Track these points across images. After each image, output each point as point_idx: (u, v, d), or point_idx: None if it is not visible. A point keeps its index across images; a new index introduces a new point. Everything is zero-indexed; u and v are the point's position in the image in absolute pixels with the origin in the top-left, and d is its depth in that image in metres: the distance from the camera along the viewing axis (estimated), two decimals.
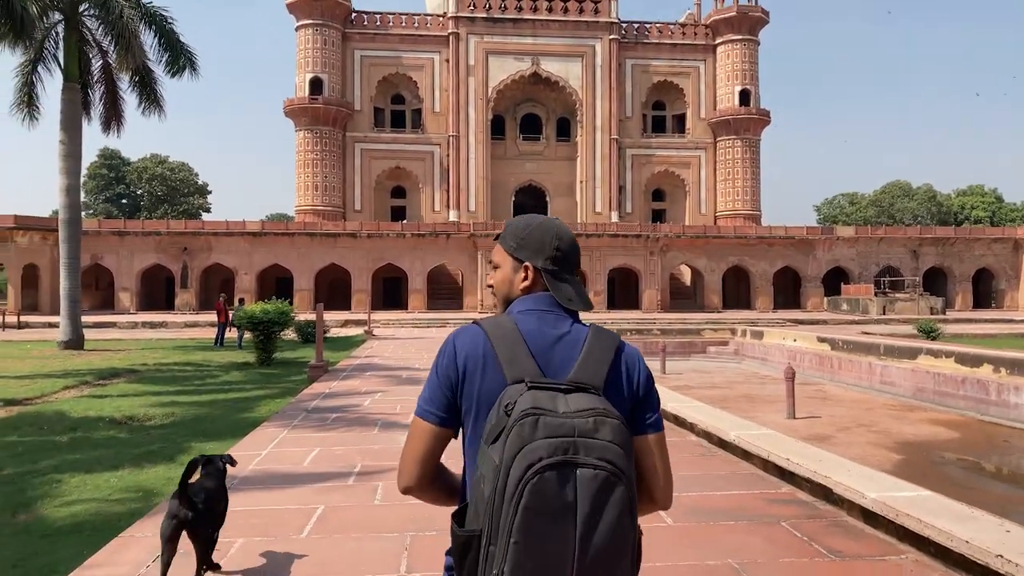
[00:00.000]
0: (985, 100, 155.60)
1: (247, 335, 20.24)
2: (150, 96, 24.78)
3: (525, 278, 1.65)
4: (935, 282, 44.89)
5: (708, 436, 7.42)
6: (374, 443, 7.73)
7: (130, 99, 25.36)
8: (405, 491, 1.57)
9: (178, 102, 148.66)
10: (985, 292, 46.73)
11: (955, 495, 4.98)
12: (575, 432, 1.32)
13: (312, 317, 37.01)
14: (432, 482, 1.58)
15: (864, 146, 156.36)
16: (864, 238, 44.20)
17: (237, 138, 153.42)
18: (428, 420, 1.56)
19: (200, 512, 3.61)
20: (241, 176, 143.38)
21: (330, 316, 36.96)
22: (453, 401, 1.55)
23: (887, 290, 40.70)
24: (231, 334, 24.82)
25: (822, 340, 23.67)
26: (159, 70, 23.91)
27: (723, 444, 7.03)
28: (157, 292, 42.43)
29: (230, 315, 23.15)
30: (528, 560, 1.28)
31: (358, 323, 33.18)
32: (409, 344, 23.29)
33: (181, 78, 24.57)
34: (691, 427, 8.00)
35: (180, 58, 24.08)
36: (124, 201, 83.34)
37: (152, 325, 33.61)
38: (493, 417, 1.40)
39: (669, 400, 10.17)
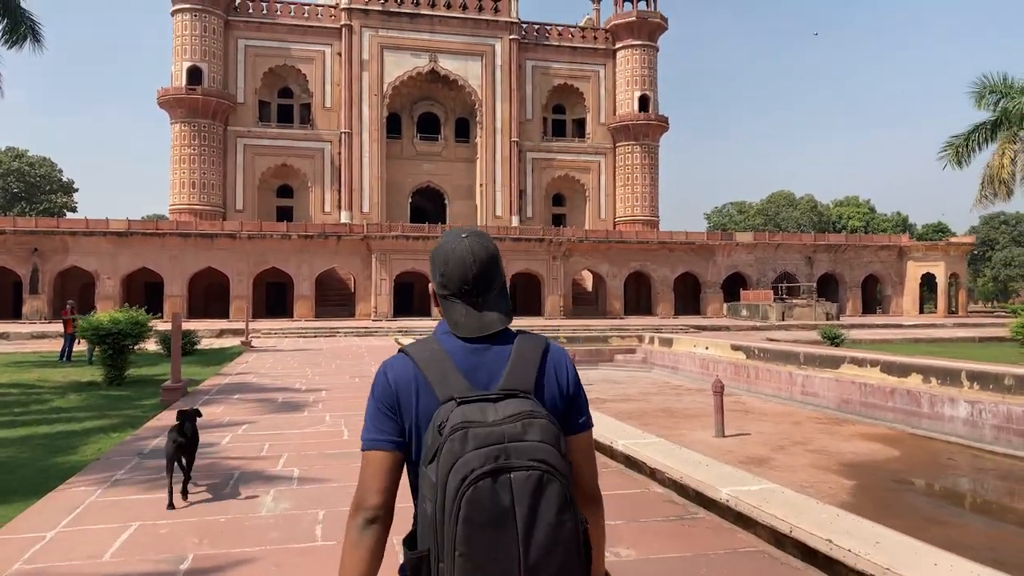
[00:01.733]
0: (860, 116, 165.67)
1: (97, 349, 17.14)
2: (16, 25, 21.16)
3: (435, 299, 1.68)
4: (827, 288, 45.87)
5: (682, 490, 5.58)
6: (223, 512, 5.48)
7: None
8: (370, 521, 1.49)
9: (45, 92, 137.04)
10: (871, 298, 48.22)
11: (940, 535, 3.38)
12: (504, 438, 1.35)
13: (184, 326, 33.45)
14: (391, 512, 1.53)
15: (750, 156, 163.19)
16: (762, 244, 44.55)
17: (112, 135, 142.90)
18: (382, 448, 1.52)
19: (188, 440, 5.83)
20: (114, 176, 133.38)
21: (204, 325, 33.46)
22: (398, 424, 1.53)
23: (784, 296, 41.05)
24: (80, 347, 21.47)
25: (737, 348, 22.75)
26: None
27: (707, 503, 5.21)
28: (2, 299, 37.35)
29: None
30: (476, 570, 1.30)
31: (236, 333, 30.03)
32: (291, 357, 20.69)
33: (21, 49, 21.25)
34: (651, 473, 6.16)
35: (20, 26, 20.70)
36: None
37: None
38: (429, 438, 1.42)
39: (604, 429, 8.36)
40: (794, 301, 40.74)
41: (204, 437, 8.90)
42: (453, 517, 1.31)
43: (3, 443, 8.84)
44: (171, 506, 5.46)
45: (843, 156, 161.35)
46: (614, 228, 50.50)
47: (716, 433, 13.73)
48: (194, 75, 46.99)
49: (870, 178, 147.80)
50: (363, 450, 1.56)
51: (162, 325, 33.90)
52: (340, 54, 49.82)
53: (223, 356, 21.96)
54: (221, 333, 31.30)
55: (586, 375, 23.88)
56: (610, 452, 7.06)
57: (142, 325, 15.88)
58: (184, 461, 5.81)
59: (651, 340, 28.83)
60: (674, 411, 18.78)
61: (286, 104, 51.65)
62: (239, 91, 48.91)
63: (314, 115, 50.26)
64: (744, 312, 41.11)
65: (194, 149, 46.76)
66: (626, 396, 21.57)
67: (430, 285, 1.68)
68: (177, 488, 5.70)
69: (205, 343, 27.75)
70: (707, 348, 24.61)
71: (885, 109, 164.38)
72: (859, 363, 16.53)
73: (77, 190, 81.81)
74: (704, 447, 12.42)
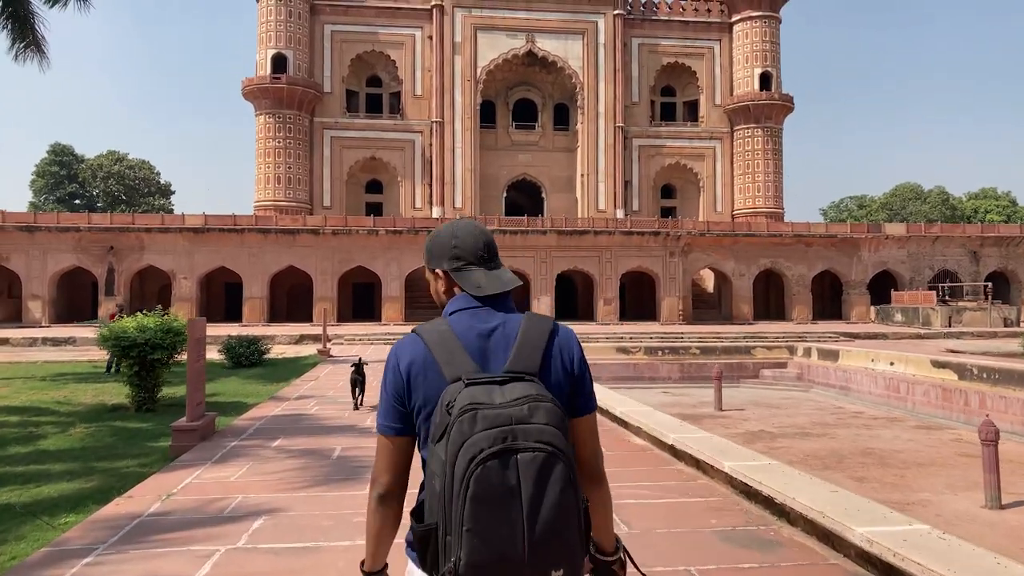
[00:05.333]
0: (995, 102, 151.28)
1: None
2: (23, 32, 18.25)
3: (443, 283, 1.73)
4: (996, 289, 38.63)
5: None
6: None
7: None
8: (383, 496, 1.61)
9: (138, 97, 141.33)
10: None
11: None
12: (512, 420, 1.40)
13: (261, 331, 30.21)
14: (403, 487, 1.65)
15: (870, 147, 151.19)
16: (916, 237, 37.93)
17: (207, 136, 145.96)
18: (388, 434, 1.62)
19: (362, 377, 10.63)
20: (209, 176, 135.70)
21: (284, 330, 30.15)
22: (405, 411, 1.60)
23: (947, 298, 34.53)
24: None
25: (941, 365, 17.25)
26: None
27: None
28: (80, 301, 35.26)
29: None
30: (482, 544, 1.36)
31: (316, 339, 26.48)
32: (372, 372, 16.63)
33: (65, 8, 18.30)
34: None
35: None
36: (77, 201, 76.12)
37: (56, 342, 26.73)
38: (437, 416, 1.48)
39: (813, 499, 3.80)
40: (962, 304, 34.16)
41: (180, 548, 4.76)
42: (461, 495, 1.36)
43: None
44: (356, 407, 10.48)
45: (977, 144, 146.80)
46: (732, 222, 44.78)
47: (989, 502, 9.03)
48: (279, 63, 44.44)
49: (1011, 168, 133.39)
50: (377, 432, 1.65)
51: (239, 329, 30.93)
52: (431, 37, 46.26)
53: (292, 369, 18.18)
54: (300, 339, 27.86)
55: (729, 395, 18.71)
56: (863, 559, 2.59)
57: (177, 334, 11.99)
58: (359, 388, 10.70)
59: (806, 352, 23.42)
60: (882, 456, 13.74)
61: (374, 93, 48.53)
62: (325, 80, 46.06)
63: (404, 104, 46.90)
64: (898, 316, 34.81)
65: (279, 142, 44.16)
66: (799, 428, 16.47)
67: (433, 275, 1.77)
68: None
69: (279, 351, 24.27)
70: (892, 364, 19.13)
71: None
72: None
73: (174, 192, 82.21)
74: (986, 530, 7.97)
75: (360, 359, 11.24)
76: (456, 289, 1.71)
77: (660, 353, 23.56)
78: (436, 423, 1.48)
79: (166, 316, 12.27)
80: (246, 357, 18.93)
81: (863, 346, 25.05)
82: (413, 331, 1.64)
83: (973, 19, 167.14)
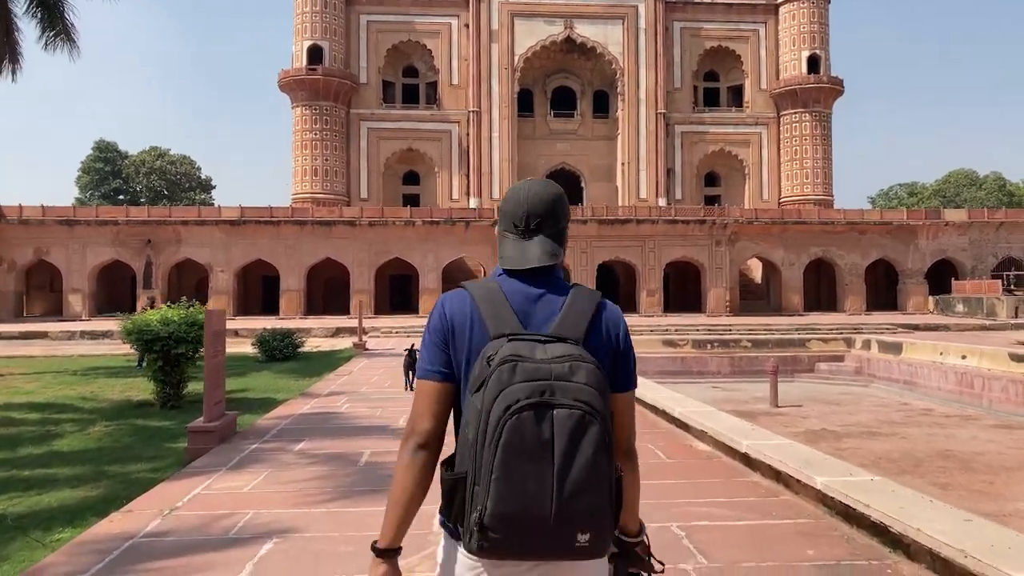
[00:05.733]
0: None
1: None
2: (52, 20, 17.97)
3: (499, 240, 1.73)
4: None
5: None
6: None
7: (28, 30, 18.53)
8: (420, 447, 1.54)
9: (180, 94, 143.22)
10: None
11: None
12: (551, 376, 1.39)
13: (298, 324, 29.81)
14: (441, 440, 1.57)
15: (921, 133, 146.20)
16: (979, 223, 35.98)
17: (247, 130, 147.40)
18: (432, 379, 1.57)
19: (414, 359, 11.25)
20: (248, 170, 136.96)
21: (321, 323, 29.70)
22: (449, 357, 1.57)
23: (1012, 287, 32.66)
24: None
25: (1021, 359, 15.95)
26: None
27: None
28: (119, 294, 35.31)
29: None
30: (509, 494, 1.34)
31: (353, 332, 25.94)
32: None
33: None
34: None
35: None
36: (121, 197, 77.16)
37: (94, 335, 26.67)
38: (477, 368, 1.47)
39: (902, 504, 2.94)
40: None
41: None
42: (493, 442, 1.35)
43: None
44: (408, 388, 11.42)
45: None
46: (780, 209, 43.17)
47: None
48: (315, 55, 44.05)
49: None
50: (418, 378, 1.61)
51: (276, 322, 30.58)
52: (467, 25, 45.44)
53: (326, 363, 17.62)
54: (336, 332, 27.38)
55: (784, 390, 17.53)
56: None
57: (202, 327, 11.39)
58: (413, 371, 11.03)
59: (865, 344, 22.12)
60: (964, 459, 12.62)
61: (411, 83, 47.90)
62: (361, 71, 45.56)
63: (440, 94, 46.19)
64: (960, 307, 33.05)
65: (316, 134, 43.81)
66: (865, 427, 15.34)
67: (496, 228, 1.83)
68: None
69: (315, 344, 23.83)
70: (964, 358, 17.81)
71: None
72: None
73: (215, 187, 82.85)
74: None
75: (413, 345, 12.35)
76: None
77: (709, 346, 22.48)
78: (475, 375, 1.47)
79: (192, 308, 11.68)
80: (280, 351, 18.43)
81: (927, 338, 23.62)
82: (461, 285, 1.64)
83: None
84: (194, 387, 12.17)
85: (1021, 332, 26.82)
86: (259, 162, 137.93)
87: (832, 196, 45.91)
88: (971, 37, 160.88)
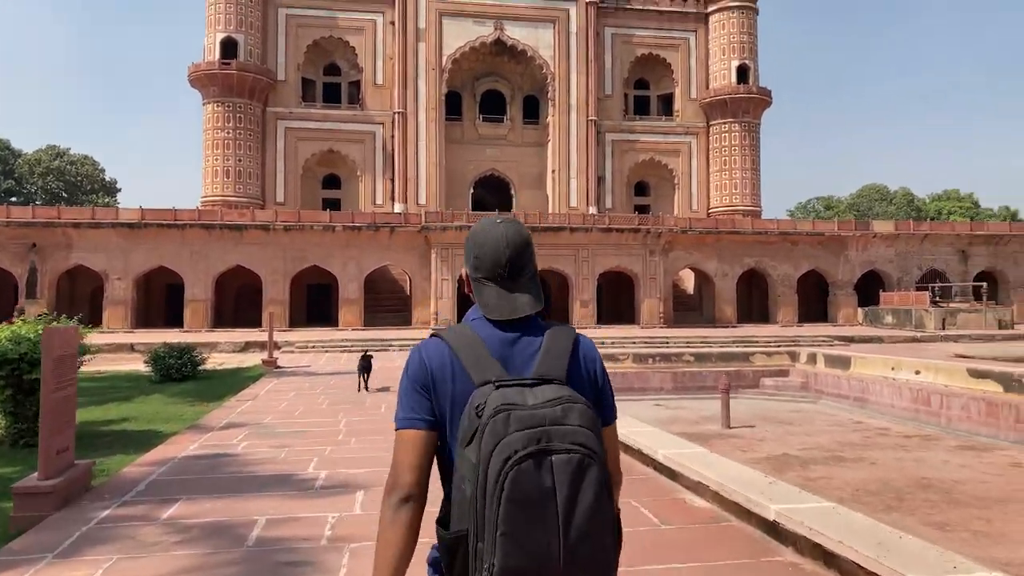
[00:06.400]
0: (960, 105, 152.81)
1: None
2: None
3: (467, 284, 1.68)
4: (977, 288, 37.18)
5: None
6: None
7: None
8: (405, 500, 1.48)
9: (84, 91, 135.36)
10: None
11: None
12: (545, 421, 1.36)
13: (203, 338, 27.11)
14: (425, 492, 1.52)
15: (834, 148, 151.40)
16: (905, 235, 36.19)
17: (162, 131, 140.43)
18: (416, 427, 1.52)
19: (368, 364, 13.09)
20: (160, 174, 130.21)
21: (229, 336, 27.07)
22: (432, 404, 1.53)
23: (938, 299, 32.86)
24: None
25: (980, 375, 15.16)
26: None
27: None
28: (2, 305, 31.67)
29: None
30: (517, 549, 1.31)
31: (265, 346, 23.58)
32: (324, 387, 13.84)
33: None
34: None
35: None
36: (14, 199, 71.38)
37: None
38: (465, 420, 1.43)
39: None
40: (955, 305, 32.51)
41: None
42: (496, 497, 1.31)
43: None
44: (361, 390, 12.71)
45: (938, 146, 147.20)
46: (713, 219, 42.74)
47: None
48: (229, 48, 41.21)
49: (971, 169, 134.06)
50: (397, 429, 1.54)
51: (180, 336, 27.79)
52: (393, 22, 43.45)
53: (229, 384, 15.37)
54: (245, 347, 24.88)
55: (731, 407, 16.14)
56: None
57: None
58: (367, 373, 12.92)
59: (811, 359, 21.22)
60: (945, 489, 11.71)
61: (332, 82, 45.51)
62: (279, 67, 42.91)
63: (364, 94, 43.98)
64: (889, 319, 33.02)
65: (229, 132, 40.90)
66: (827, 451, 14.21)
67: (462, 271, 1.71)
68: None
69: (220, 360, 21.37)
70: (918, 373, 17.00)
71: (987, 92, 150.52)
72: None
73: (120, 190, 77.84)
74: None
75: (367, 352, 13.96)
76: None
77: (650, 360, 21.17)
78: (465, 427, 1.43)
79: (55, 324, 9.42)
80: (176, 369, 16.05)
81: (861, 351, 23.01)
82: (434, 334, 1.61)
83: (935, 24, 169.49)
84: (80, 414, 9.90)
85: (951, 344, 26.71)
86: (173, 163, 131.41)
87: (760, 207, 45.93)
88: (869, 56, 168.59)
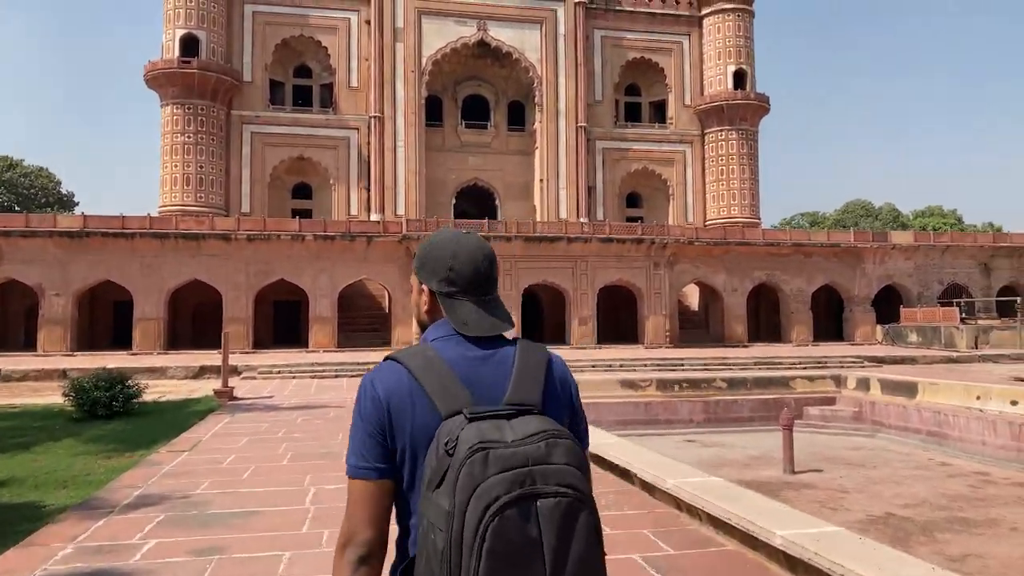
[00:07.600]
0: (940, 120, 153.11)
1: None
2: None
3: (426, 301, 1.53)
4: (1006, 304, 34.66)
5: None
6: None
7: None
8: (363, 560, 1.32)
9: (44, 99, 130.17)
10: None
11: None
12: (529, 461, 1.21)
13: (153, 362, 23.50)
14: (385, 547, 1.37)
15: (819, 163, 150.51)
16: (925, 247, 33.64)
17: (121, 142, 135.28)
18: (368, 478, 1.37)
19: None
20: (123, 187, 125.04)
21: (183, 360, 23.47)
22: (387, 447, 1.37)
23: (964, 316, 30.31)
24: None
25: None
26: None
27: None
28: None
29: None
30: None
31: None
32: (287, 430, 10.45)
33: None
34: None
35: None
36: None
37: None
38: (433, 459, 1.27)
39: None
40: (984, 322, 29.98)
41: None
42: (476, 550, 1.16)
43: None
44: None
45: (923, 161, 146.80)
46: (720, 229, 39.98)
47: None
48: (190, 46, 37.77)
49: (954, 186, 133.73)
50: (349, 477, 1.40)
51: (127, 360, 24.14)
52: (369, 22, 40.36)
53: (169, 422, 12.04)
54: (200, 372, 21.38)
55: (772, 444, 13.46)
56: None
57: None
58: None
59: (862, 384, 18.27)
60: None
61: (303, 84, 42.24)
62: (245, 67, 39.56)
63: (337, 97, 40.75)
64: (913, 337, 30.37)
65: (189, 137, 37.35)
66: (940, 508, 11.33)
67: (419, 287, 1.54)
68: None
69: (165, 390, 17.94)
70: (1014, 403, 14.12)
71: (974, 109, 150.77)
72: None
73: (78, 203, 73.39)
74: None
75: None
76: (443, 313, 1.49)
77: (676, 388, 18.07)
78: (432, 467, 1.26)
79: None
80: (104, 404, 12.65)
81: (896, 372, 20.22)
82: (389, 358, 1.43)
83: (916, 39, 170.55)
84: None
85: (998, 365, 24.04)
86: (135, 175, 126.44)
87: (759, 219, 43.35)
88: (859, 69, 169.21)
